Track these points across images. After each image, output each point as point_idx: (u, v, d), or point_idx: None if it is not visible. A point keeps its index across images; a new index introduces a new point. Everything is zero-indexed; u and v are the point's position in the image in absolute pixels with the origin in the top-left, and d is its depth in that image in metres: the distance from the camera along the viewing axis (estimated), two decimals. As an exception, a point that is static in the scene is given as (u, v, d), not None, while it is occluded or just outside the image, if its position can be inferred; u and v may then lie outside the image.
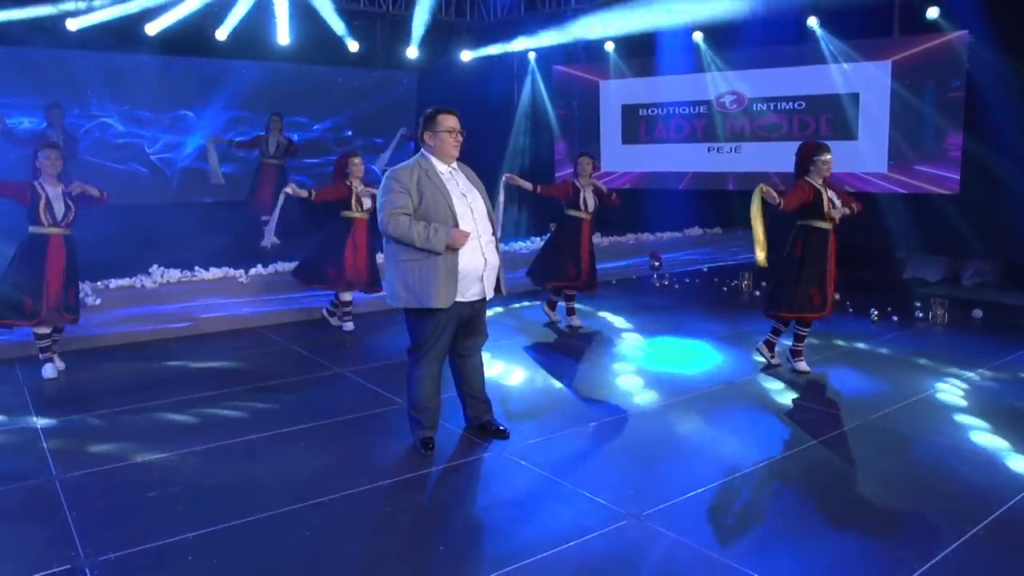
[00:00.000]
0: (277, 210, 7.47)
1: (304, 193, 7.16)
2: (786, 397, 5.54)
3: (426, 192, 4.20)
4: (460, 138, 4.33)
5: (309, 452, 4.53)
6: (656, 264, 10.16)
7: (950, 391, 5.58)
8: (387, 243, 4.32)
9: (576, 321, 7.64)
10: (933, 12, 9.55)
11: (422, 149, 4.38)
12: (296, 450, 4.55)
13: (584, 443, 4.71)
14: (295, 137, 11.19)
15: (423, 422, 4.50)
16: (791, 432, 4.88)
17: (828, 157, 5.91)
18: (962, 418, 5.03)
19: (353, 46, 11.51)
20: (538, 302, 8.23)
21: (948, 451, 4.53)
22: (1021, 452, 4.47)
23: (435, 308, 4.21)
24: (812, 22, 10.33)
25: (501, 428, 4.72)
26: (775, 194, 5.81)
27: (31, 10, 9.23)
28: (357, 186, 7.20)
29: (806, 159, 5.95)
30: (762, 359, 6.26)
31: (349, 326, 7.52)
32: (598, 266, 7.82)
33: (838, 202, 5.95)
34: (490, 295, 4.42)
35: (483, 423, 4.75)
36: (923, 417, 5.10)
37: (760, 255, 5.87)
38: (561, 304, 7.77)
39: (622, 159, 12.48)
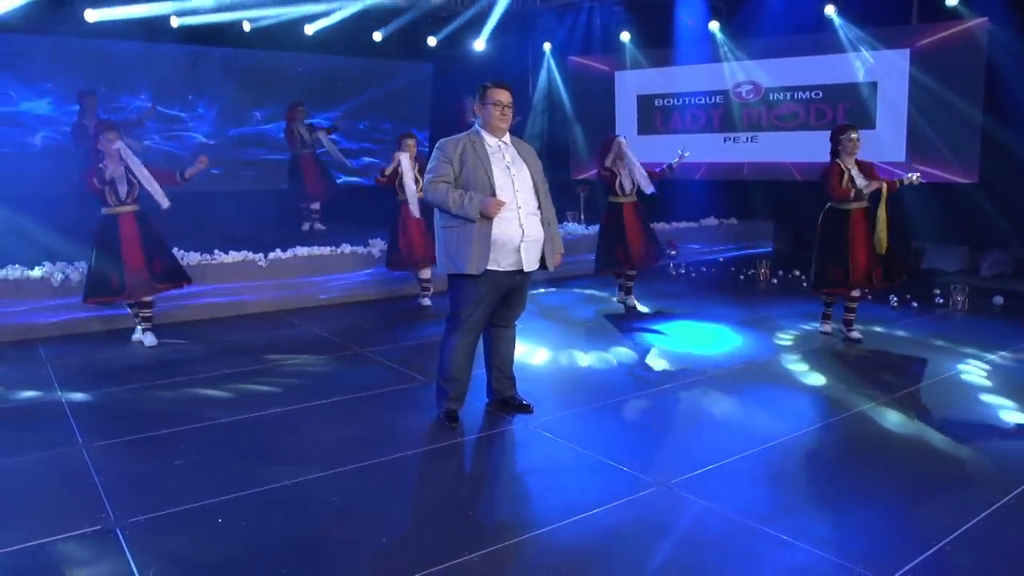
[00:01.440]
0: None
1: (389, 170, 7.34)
2: (809, 375, 5.51)
3: (468, 162, 4.25)
4: (507, 112, 4.34)
5: (335, 424, 4.55)
6: (673, 252, 10.12)
7: (974, 371, 5.55)
8: (435, 212, 4.40)
9: (632, 301, 7.72)
10: (952, 0, 9.49)
11: (475, 121, 4.43)
12: (321, 422, 4.57)
13: (609, 417, 4.70)
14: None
15: (450, 393, 4.51)
16: (817, 407, 4.87)
17: (855, 136, 6.11)
18: (987, 397, 5.00)
19: (376, 36, 11.57)
20: (553, 289, 8.24)
21: (974, 426, 4.50)
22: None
23: (469, 274, 4.24)
24: (830, 10, 10.28)
25: (525, 403, 4.72)
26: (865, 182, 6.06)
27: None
28: (404, 169, 7.24)
29: (834, 139, 6.16)
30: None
31: (426, 302, 7.73)
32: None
33: (859, 180, 5.98)
34: (529, 268, 4.39)
35: (507, 398, 4.75)
36: (948, 395, 5.07)
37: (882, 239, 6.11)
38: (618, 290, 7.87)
39: (638, 149, 12.32)
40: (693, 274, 9.94)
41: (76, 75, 10.18)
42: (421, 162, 7.25)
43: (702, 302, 8.11)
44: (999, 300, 8.00)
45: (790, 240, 12.00)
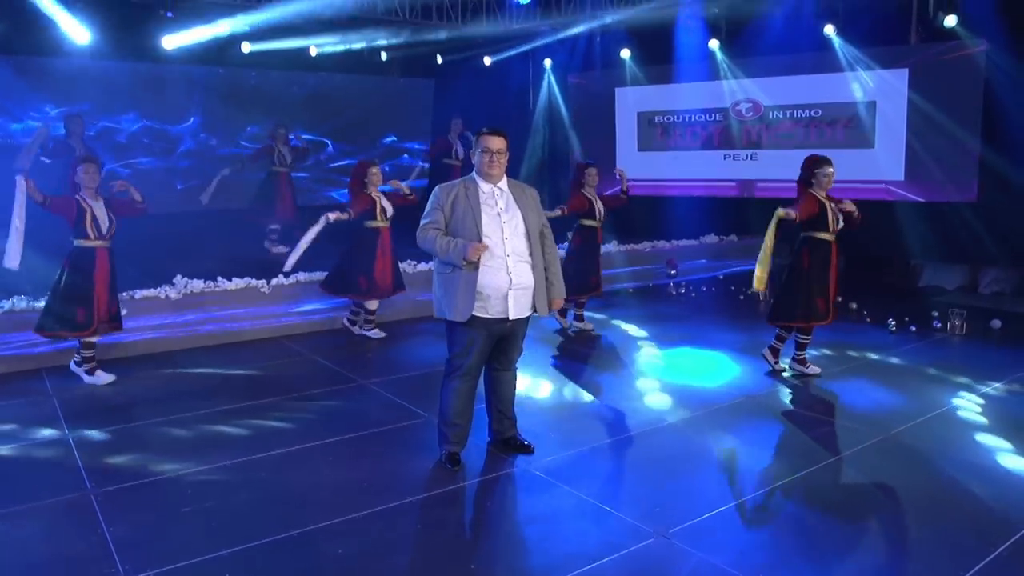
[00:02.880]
0: (312, 233, 7.13)
1: (345, 216, 7.19)
2: (807, 410, 5.59)
3: (458, 209, 4.34)
4: (496, 159, 4.39)
5: (339, 466, 4.61)
6: (672, 272, 10.21)
7: (969, 406, 5.61)
8: (434, 257, 4.51)
9: (587, 324, 7.91)
10: (951, 20, 9.55)
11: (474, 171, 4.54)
12: (325, 464, 4.63)
13: (608, 458, 4.78)
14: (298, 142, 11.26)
15: (450, 436, 4.58)
16: (813, 448, 4.92)
17: (830, 170, 6.10)
18: (982, 436, 5.05)
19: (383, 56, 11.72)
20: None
21: (969, 468, 4.56)
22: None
23: (456, 321, 4.33)
24: (829, 30, 10.35)
25: (526, 443, 4.78)
26: (792, 212, 5.93)
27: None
28: (377, 194, 7.32)
29: (808, 171, 6.14)
30: (768, 364, 6.48)
31: (378, 334, 7.63)
32: (607, 272, 8.22)
33: (840, 216, 6.13)
34: (519, 315, 4.44)
35: (508, 438, 4.82)
36: (943, 433, 5.14)
37: (762, 277, 6.08)
38: (571, 311, 7.92)
39: (638, 166, 12.51)
40: (693, 294, 10.01)
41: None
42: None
43: (701, 326, 8.18)
44: (997, 324, 8.07)
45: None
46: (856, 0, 9.75)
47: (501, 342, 4.55)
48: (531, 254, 4.45)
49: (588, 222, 7.62)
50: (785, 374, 6.35)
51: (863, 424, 5.26)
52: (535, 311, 4.51)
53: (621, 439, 5.04)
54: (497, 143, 4.40)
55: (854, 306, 8.71)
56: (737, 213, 11.81)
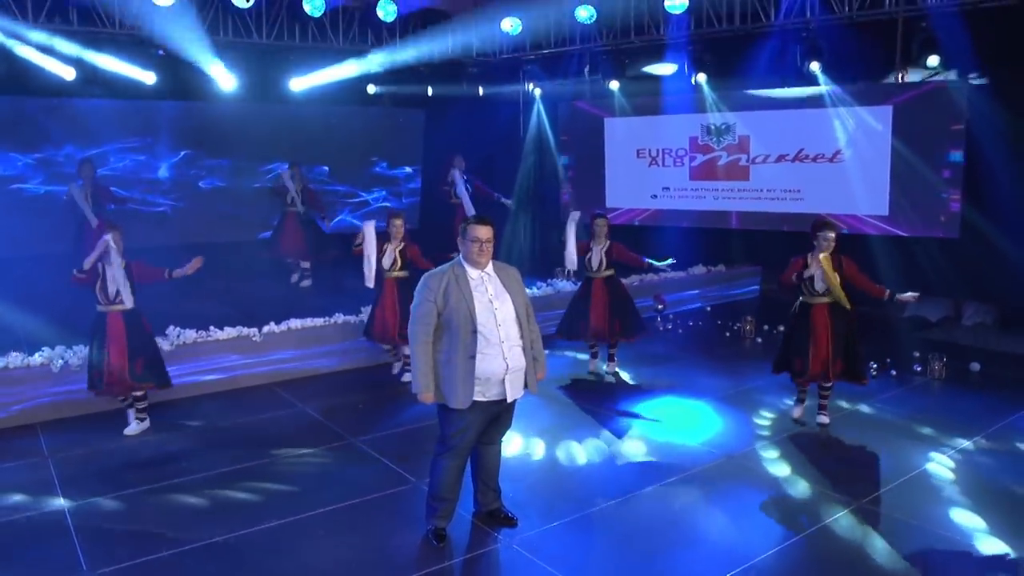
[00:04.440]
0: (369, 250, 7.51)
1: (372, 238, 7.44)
2: (783, 473, 5.72)
3: (451, 299, 4.46)
4: (485, 248, 4.53)
5: (327, 542, 4.75)
6: (660, 307, 10.34)
7: (943, 470, 5.74)
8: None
9: (603, 367, 8.18)
10: (933, 60, 9.71)
11: (459, 253, 4.65)
12: (315, 540, 4.77)
13: (588, 531, 4.91)
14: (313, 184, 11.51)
15: (439, 511, 4.73)
16: (786, 520, 5.04)
17: (831, 235, 6.29)
18: (956, 512, 5.09)
19: (371, 88, 11.82)
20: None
21: (939, 542, 4.71)
22: (1015, 549, 4.63)
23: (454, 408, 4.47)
24: (814, 67, 10.47)
25: (509, 516, 4.93)
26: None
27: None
28: (388, 246, 7.48)
29: (812, 234, 6.41)
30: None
31: (407, 376, 7.70)
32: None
33: (818, 281, 6.35)
34: (515, 396, 4.60)
35: (492, 510, 4.97)
36: (914, 501, 5.25)
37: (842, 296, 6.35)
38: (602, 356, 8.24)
39: (626, 196, 12.69)
40: (680, 330, 10.16)
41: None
42: (407, 242, 7.54)
43: (686, 370, 8.33)
44: (976, 367, 8.23)
45: (776, 280, 12.24)
46: (841, 39, 9.86)
47: (493, 421, 4.71)
48: (522, 336, 4.60)
49: (585, 271, 7.86)
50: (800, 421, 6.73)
51: (837, 489, 5.39)
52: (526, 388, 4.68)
53: (600, 508, 5.17)
54: (485, 232, 4.54)
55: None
56: (725, 243, 11.98)
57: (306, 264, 10.67)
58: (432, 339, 4.49)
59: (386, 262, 7.48)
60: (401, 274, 7.53)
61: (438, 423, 4.69)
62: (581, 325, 7.89)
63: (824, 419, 6.65)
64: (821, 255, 6.25)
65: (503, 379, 4.50)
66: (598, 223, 7.76)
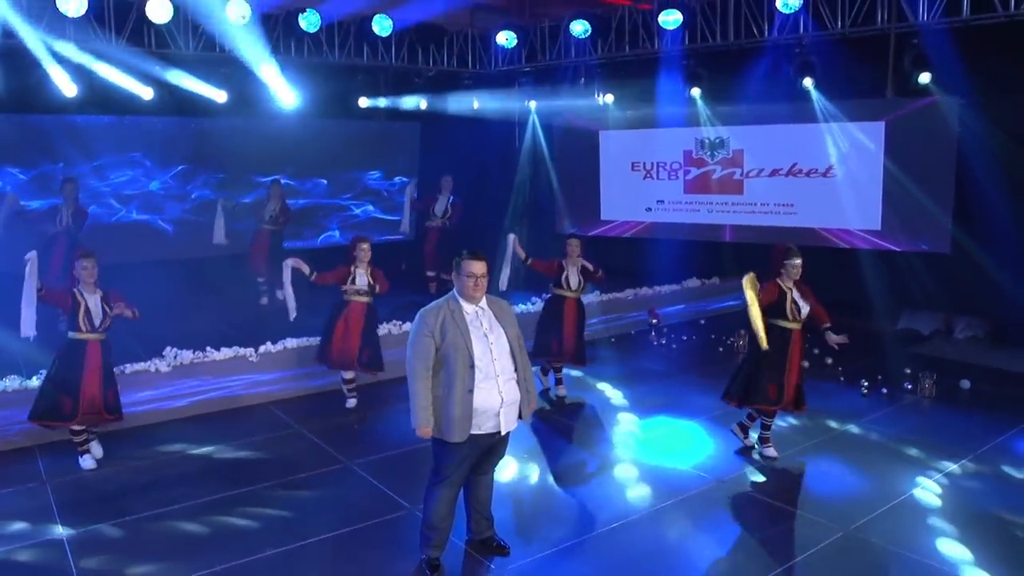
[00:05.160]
0: (287, 285, 7.71)
1: (305, 269, 7.48)
2: (772, 499, 5.80)
3: (448, 333, 4.53)
4: (480, 283, 4.61)
5: (325, 573, 4.81)
6: (654, 321, 10.43)
7: (930, 495, 5.83)
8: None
9: (562, 391, 8.12)
10: (925, 78, 9.78)
11: (453, 289, 4.72)
12: (311, 571, 4.83)
13: (578, 561, 4.99)
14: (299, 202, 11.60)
15: (432, 540, 4.81)
16: (775, 546, 5.14)
17: (797, 262, 6.28)
18: (942, 542, 5.15)
19: (363, 101, 11.85)
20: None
21: (926, 572, 4.80)
22: None
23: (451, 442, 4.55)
24: (807, 83, 10.55)
25: (502, 544, 5.01)
26: (757, 284, 6.23)
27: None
28: (359, 270, 7.50)
29: (776, 262, 6.33)
30: (738, 440, 6.69)
31: (351, 403, 7.78)
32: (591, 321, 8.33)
33: (802, 304, 6.32)
34: (509, 428, 4.69)
35: (485, 538, 5.04)
36: (900, 528, 5.34)
37: (764, 342, 6.14)
38: (552, 373, 8.20)
39: (621, 209, 12.76)
40: (673, 344, 10.24)
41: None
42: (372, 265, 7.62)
43: (680, 386, 8.42)
44: (966, 384, 8.32)
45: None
46: (834, 56, 9.94)
47: (487, 452, 4.79)
48: (516, 369, 4.69)
49: (556, 290, 7.96)
50: (754, 454, 6.55)
51: (825, 516, 5.47)
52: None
53: (590, 537, 5.25)
54: (480, 268, 4.61)
55: (829, 361, 8.96)
56: (718, 256, 12.06)
57: (262, 279, 10.62)
58: (431, 373, 4.56)
59: (360, 284, 7.50)
60: (369, 299, 7.59)
61: (432, 454, 4.76)
62: (554, 344, 7.92)
63: (772, 452, 6.45)
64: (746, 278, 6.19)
65: (498, 412, 4.58)
66: (571, 243, 7.86)
